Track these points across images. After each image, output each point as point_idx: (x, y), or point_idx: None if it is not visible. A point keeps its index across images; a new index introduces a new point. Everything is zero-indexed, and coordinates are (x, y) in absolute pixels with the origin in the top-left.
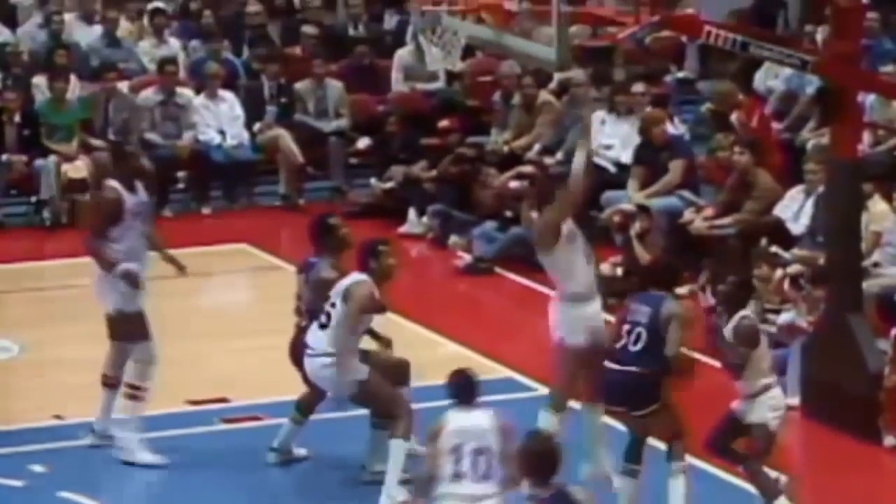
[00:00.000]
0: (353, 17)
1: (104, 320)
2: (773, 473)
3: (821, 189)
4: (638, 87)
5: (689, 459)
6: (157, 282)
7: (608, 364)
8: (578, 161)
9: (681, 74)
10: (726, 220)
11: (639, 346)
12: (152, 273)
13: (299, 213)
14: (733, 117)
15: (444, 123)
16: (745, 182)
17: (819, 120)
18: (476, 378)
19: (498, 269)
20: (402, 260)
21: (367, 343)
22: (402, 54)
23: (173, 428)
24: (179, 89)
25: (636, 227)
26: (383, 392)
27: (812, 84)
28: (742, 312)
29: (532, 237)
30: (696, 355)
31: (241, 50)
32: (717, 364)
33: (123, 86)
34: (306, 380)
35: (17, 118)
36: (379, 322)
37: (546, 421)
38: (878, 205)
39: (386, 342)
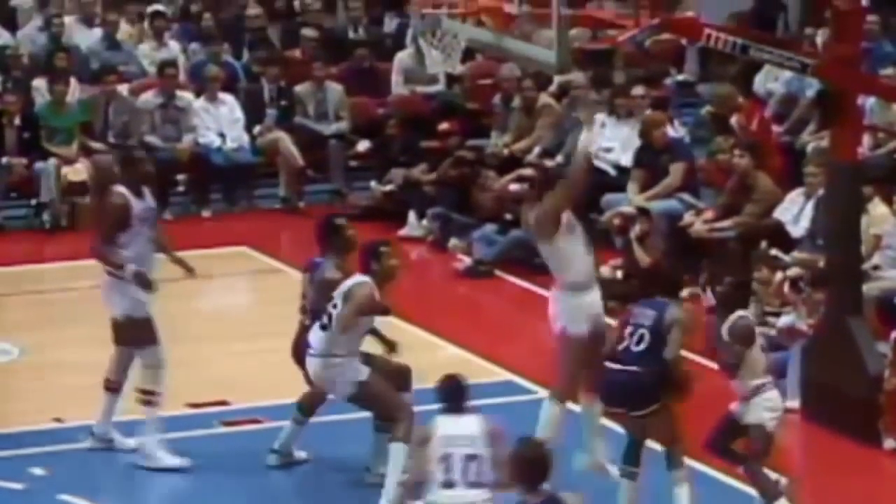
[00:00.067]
0: (353, 20)
1: (109, 325)
2: (773, 475)
3: (821, 192)
4: (638, 90)
5: (689, 462)
6: (158, 284)
7: (609, 364)
8: (580, 150)
9: (681, 77)
10: (726, 223)
11: (641, 347)
12: (156, 275)
13: (299, 215)
14: (733, 120)
15: (444, 126)
16: (745, 185)
17: (819, 123)
18: (466, 383)
19: (498, 272)
20: (402, 262)
21: (373, 346)
22: (402, 57)
23: (173, 431)
24: (179, 92)
25: (636, 230)
26: (384, 394)
27: (812, 87)
28: (739, 312)
29: (532, 225)
30: (697, 358)
31: (241, 53)
32: (717, 366)
33: (123, 89)
34: (308, 379)
35: (17, 121)
36: (381, 324)
37: (549, 411)
38: (878, 208)
39: (392, 345)
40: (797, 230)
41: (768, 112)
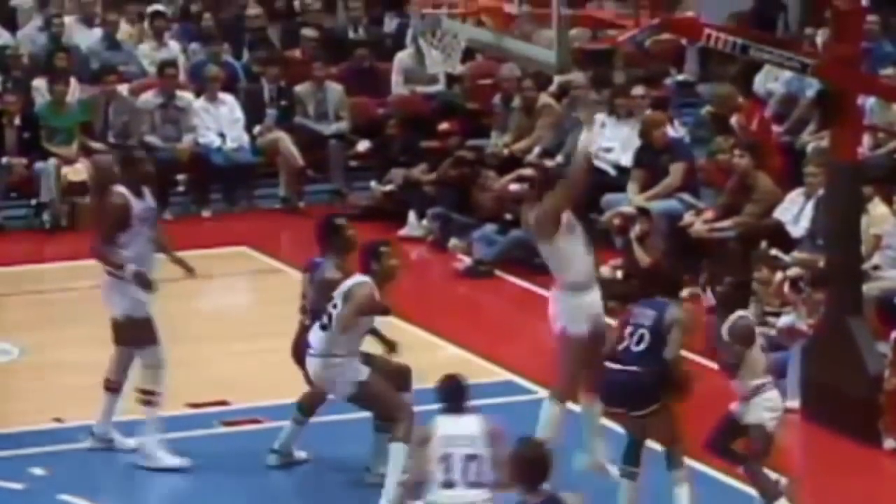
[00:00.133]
0: (353, 20)
1: (109, 325)
2: (773, 475)
3: (821, 192)
4: (638, 90)
5: (689, 462)
6: (158, 284)
7: (609, 364)
8: (580, 150)
9: (681, 77)
10: (726, 223)
11: (641, 347)
12: (156, 275)
13: (299, 215)
14: (733, 120)
15: (444, 126)
16: (745, 185)
17: (819, 123)
18: (466, 383)
19: (498, 272)
20: (402, 262)
21: (373, 346)
22: (402, 57)
23: (173, 431)
24: (179, 92)
25: (636, 230)
26: (384, 394)
27: (812, 87)
28: (739, 312)
29: (532, 225)
30: (697, 358)
31: (241, 53)
32: (717, 366)
33: (123, 89)
34: (308, 379)
35: (17, 121)
36: (381, 324)
37: (549, 411)
38: (878, 208)
39: (392, 345)
40: (797, 230)
41: (768, 112)
